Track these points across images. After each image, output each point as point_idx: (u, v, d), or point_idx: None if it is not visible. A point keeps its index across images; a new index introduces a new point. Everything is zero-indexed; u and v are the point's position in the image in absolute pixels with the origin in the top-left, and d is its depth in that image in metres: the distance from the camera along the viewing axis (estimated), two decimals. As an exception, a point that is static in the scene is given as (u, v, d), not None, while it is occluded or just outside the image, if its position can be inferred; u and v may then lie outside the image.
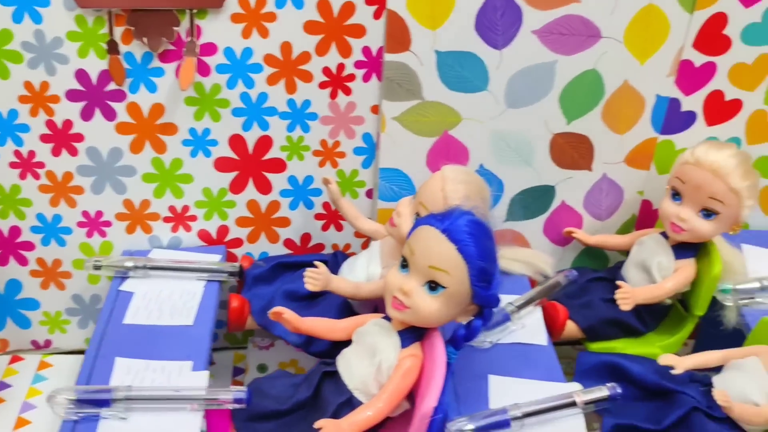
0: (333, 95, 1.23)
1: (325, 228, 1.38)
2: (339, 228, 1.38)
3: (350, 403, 1.02)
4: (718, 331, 1.25)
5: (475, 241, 0.94)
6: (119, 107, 1.19)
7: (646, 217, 1.43)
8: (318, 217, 1.36)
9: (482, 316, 1.00)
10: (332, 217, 1.37)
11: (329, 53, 1.19)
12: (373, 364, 1.00)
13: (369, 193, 1.35)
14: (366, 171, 1.32)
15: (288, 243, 1.38)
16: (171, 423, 0.97)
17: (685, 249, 1.27)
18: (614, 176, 1.37)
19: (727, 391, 1.04)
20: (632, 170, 1.37)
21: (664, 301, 1.30)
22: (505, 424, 1.02)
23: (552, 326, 1.25)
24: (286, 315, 1.05)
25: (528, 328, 1.23)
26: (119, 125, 1.21)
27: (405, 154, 1.29)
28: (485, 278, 0.95)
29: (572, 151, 1.33)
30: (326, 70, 1.20)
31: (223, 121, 1.23)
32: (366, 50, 1.20)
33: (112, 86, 1.17)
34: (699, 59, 1.28)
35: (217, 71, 1.18)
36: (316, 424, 0.95)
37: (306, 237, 1.38)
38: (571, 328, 1.27)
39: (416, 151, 1.29)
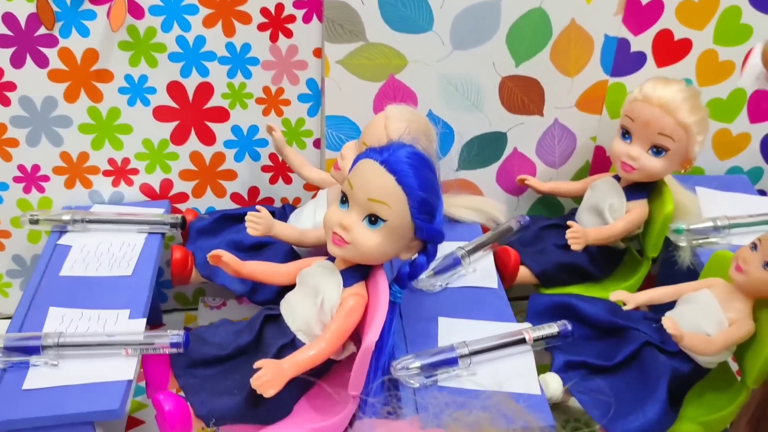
0: (273, 38, 1.19)
1: (272, 181, 1.34)
2: (287, 181, 1.35)
3: (293, 345, 0.99)
4: (674, 272, 1.23)
5: (415, 171, 0.92)
6: (51, 53, 1.14)
7: (600, 163, 1.41)
8: (265, 169, 1.33)
9: (426, 252, 0.98)
10: (280, 170, 1.33)
11: (267, -7, 1.16)
12: (316, 304, 0.97)
13: (317, 143, 1.31)
14: (312, 120, 1.29)
15: (235, 197, 1.35)
16: (105, 369, 0.93)
17: (637, 190, 1.26)
18: (566, 121, 1.35)
19: (678, 322, 1.02)
20: (584, 115, 1.35)
21: (618, 244, 1.29)
22: (453, 361, 1.00)
23: (504, 270, 1.22)
24: (226, 258, 1.01)
25: (479, 272, 1.20)
26: (52, 72, 1.16)
27: (351, 100, 1.26)
28: (426, 210, 0.93)
29: (522, 95, 1.31)
30: (265, 11, 1.16)
31: (161, 67, 1.19)
32: (305, -11, 1.17)
33: (42, 31, 1.12)
34: (645, -3, 1.27)
35: (150, 13, 1.13)
36: (256, 364, 0.92)
37: (254, 191, 1.35)
38: (524, 274, 1.25)
39: (362, 97, 1.26)
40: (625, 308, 1.09)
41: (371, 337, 0.92)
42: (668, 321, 1.00)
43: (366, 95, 1.26)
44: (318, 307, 0.97)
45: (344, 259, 0.98)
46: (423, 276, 1.15)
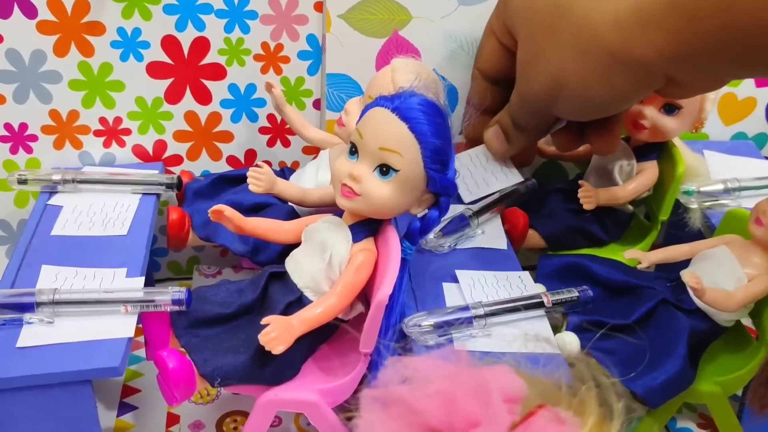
0: (273, -10, 1.15)
1: (270, 143, 1.30)
2: (286, 143, 1.30)
3: (300, 302, 0.94)
4: (682, 235, 1.20)
5: (428, 119, 0.88)
6: (40, 3, 1.09)
7: (605, 127, 1.38)
8: (263, 130, 1.28)
9: (438, 206, 0.94)
10: (278, 131, 1.29)
11: (268, -58, 1.11)
12: (324, 259, 0.93)
13: (316, 104, 1.27)
14: (312, 78, 1.24)
15: (231, 160, 1.30)
16: (103, 327, 0.88)
17: (647, 151, 1.23)
18: (572, 83, 1.32)
19: (697, 277, 0.99)
20: (590, 76, 1.32)
21: (626, 207, 1.26)
22: (467, 321, 0.96)
23: (513, 232, 1.19)
24: (228, 212, 0.97)
25: (487, 233, 1.17)
26: (41, 24, 1.10)
27: (353, 57, 1.21)
28: (440, 160, 0.89)
29: (528, 55, 1.27)
30: (265, -40, 1.12)
31: (155, 20, 1.13)
32: (306, -62, 1.12)
33: (30, -21, 1.07)
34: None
35: (145, -40, 1.09)
36: (264, 320, 0.88)
37: (251, 153, 1.30)
38: (533, 237, 1.22)
39: (365, 54, 1.21)
40: (639, 267, 1.07)
41: (384, 291, 0.88)
42: (689, 275, 0.97)
43: (369, 52, 1.22)
44: (326, 263, 0.93)
45: (353, 213, 0.94)
46: (431, 236, 1.12)
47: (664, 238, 1.37)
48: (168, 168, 1.27)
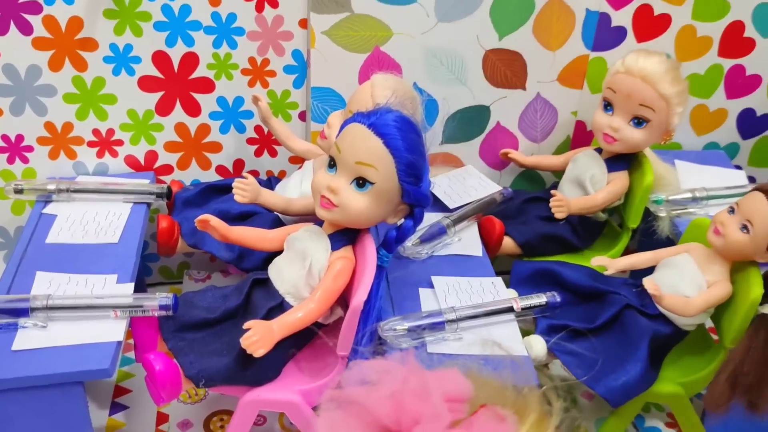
0: (259, 8, 1.19)
1: (258, 153, 1.35)
2: (273, 153, 1.35)
3: (281, 308, 1.00)
4: (653, 243, 1.25)
5: (402, 134, 0.93)
6: (35, 20, 1.14)
7: (581, 138, 1.43)
8: (250, 141, 1.33)
9: (413, 216, 0.99)
10: (265, 142, 1.34)
11: (254, -37, 1.16)
12: (304, 267, 0.98)
13: (302, 116, 1.32)
14: (298, 91, 1.29)
15: (220, 170, 1.35)
16: (94, 331, 0.94)
17: (617, 161, 1.28)
18: (548, 95, 1.37)
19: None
20: (565, 89, 1.37)
21: (598, 216, 1.31)
22: (440, 325, 1.01)
23: (489, 240, 1.24)
24: (213, 222, 1.02)
25: (464, 241, 1.22)
26: (36, 40, 1.16)
27: (337, 71, 1.26)
28: (413, 173, 0.94)
29: (505, 69, 1.32)
30: (251, -20, 1.17)
31: (146, 36, 1.19)
32: (292, -40, 1.17)
33: (27, -3, 1.12)
34: (627, -27, 1.29)
35: (136, -20, 1.14)
36: (246, 325, 0.93)
37: (239, 163, 1.35)
38: (508, 244, 1.27)
39: (348, 68, 1.26)
40: (606, 273, 1.12)
41: (359, 297, 0.93)
42: (649, 282, 1.02)
43: (351, 67, 1.27)
44: (306, 271, 0.98)
45: (332, 223, 0.99)
46: (409, 244, 1.17)
47: (638, 245, 1.43)
48: (159, 177, 1.32)
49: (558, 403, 0.56)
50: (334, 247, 0.99)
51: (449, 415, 0.49)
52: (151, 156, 1.30)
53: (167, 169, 1.33)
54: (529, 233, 1.28)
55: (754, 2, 1.34)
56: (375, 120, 0.93)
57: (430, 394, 0.48)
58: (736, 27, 1.36)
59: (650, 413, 1.22)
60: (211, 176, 1.35)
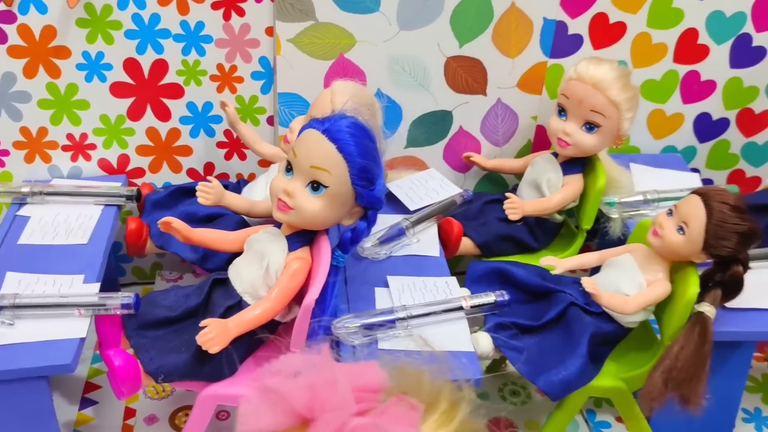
0: (226, 16, 1.24)
1: (228, 157, 1.39)
2: (242, 157, 1.40)
3: (239, 306, 1.04)
4: (610, 243, 1.30)
5: (355, 140, 0.97)
6: (10, 29, 1.19)
7: (541, 142, 1.47)
8: (220, 145, 1.38)
9: (367, 218, 1.04)
10: (235, 146, 1.38)
11: (220, -26, 1.21)
12: (262, 267, 1.03)
13: (270, 120, 1.36)
14: (265, 97, 1.34)
15: (191, 173, 1.40)
16: (59, 328, 0.98)
17: (572, 165, 1.33)
18: (508, 101, 1.42)
19: (601, 285, 1.09)
20: (525, 95, 1.42)
21: (555, 217, 1.36)
22: (391, 323, 1.06)
23: (447, 240, 1.29)
24: (175, 224, 1.06)
25: (422, 242, 1.26)
26: (11, 48, 1.20)
27: (302, 78, 1.31)
28: (366, 177, 0.98)
29: (466, 75, 1.37)
30: (217, -10, 1.22)
31: (117, 44, 1.23)
32: (256, -30, 1.21)
33: (1, 7, 1.16)
34: (581, -18, 1.34)
35: (106, -9, 1.19)
36: (202, 323, 0.97)
37: (209, 166, 1.40)
38: (467, 245, 1.31)
39: (313, 75, 1.31)
40: (553, 272, 1.17)
41: (311, 295, 0.98)
42: (587, 281, 1.07)
43: (317, 73, 1.31)
44: (264, 270, 1.03)
45: (289, 225, 1.03)
46: (368, 245, 1.21)
47: (597, 246, 1.47)
48: (131, 180, 1.37)
49: (468, 393, 0.60)
50: (291, 247, 1.03)
51: (356, 404, 0.53)
52: (124, 159, 1.35)
53: (139, 172, 1.37)
54: (487, 234, 1.33)
55: (708, 10, 1.39)
56: (329, 126, 0.98)
57: (338, 384, 0.53)
58: (691, 34, 1.40)
59: (602, 408, 1.27)
60: (182, 179, 1.40)
